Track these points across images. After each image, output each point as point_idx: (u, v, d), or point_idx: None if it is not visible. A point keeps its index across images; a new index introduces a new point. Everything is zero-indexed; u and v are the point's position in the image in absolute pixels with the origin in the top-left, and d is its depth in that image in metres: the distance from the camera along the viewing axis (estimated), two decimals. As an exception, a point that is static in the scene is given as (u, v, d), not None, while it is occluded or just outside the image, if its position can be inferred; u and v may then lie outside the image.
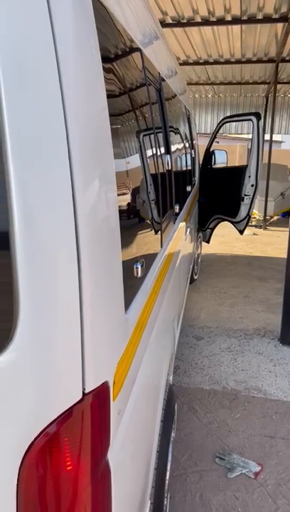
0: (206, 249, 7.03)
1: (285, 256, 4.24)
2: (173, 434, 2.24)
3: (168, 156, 2.18)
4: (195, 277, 5.82)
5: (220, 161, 5.86)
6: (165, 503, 2.10)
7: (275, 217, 10.95)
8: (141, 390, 1.30)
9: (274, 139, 10.52)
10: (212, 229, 5.99)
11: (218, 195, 5.44)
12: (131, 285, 1.17)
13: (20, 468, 0.80)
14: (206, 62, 10.34)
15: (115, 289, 0.96)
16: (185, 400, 3.37)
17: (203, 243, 6.39)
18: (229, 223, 5.65)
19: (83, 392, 0.81)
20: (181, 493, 2.49)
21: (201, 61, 10.29)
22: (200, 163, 5.75)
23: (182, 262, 3.12)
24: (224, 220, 5.66)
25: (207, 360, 3.96)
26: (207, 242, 6.28)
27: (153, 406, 1.61)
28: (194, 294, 5.48)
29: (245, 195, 5.03)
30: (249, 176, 4.96)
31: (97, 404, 0.84)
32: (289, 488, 2.55)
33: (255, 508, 2.41)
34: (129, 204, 1.23)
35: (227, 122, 5.41)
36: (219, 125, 5.45)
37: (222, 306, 5.17)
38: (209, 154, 5.71)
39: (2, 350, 0.76)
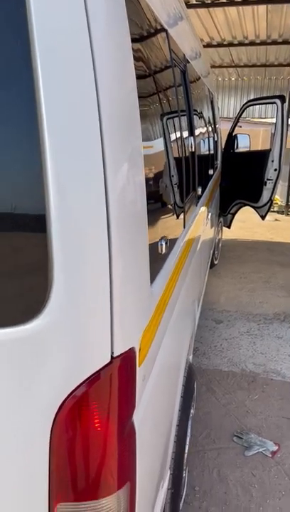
0: (227, 234, 7.00)
1: (307, 241, 4.22)
2: (192, 411, 2.30)
3: (192, 138, 2.19)
4: (216, 262, 5.83)
5: (243, 145, 5.80)
6: (183, 475, 2.18)
7: (298, 203, 10.80)
8: (163, 363, 1.36)
9: (298, 123, 10.30)
10: (234, 214, 5.96)
11: (240, 179, 5.40)
12: (155, 260, 1.21)
13: (52, 425, 0.86)
14: (230, 44, 10.13)
15: (141, 261, 1.00)
16: (203, 380, 3.43)
17: (224, 228, 6.37)
18: (250, 208, 5.62)
19: (112, 356, 0.87)
20: (199, 469, 2.56)
21: (225, 43, 10.08)
22: (223, 147, 5.71)
23: (203, 245, 3.15)
24: (245, 204, 5.63)
25: (227, 343, 4.01)
26: (228, 227, 6.27)
27: (173, 380, 1.66)
28: (214, 278, 5.50)
29: (268, 179, 4.99)
30: (272, 161, 4.90)
31: (124, 368, 0.89)
32: (306, 467, 2.59)
33: (272, 485, 2.47)
34: (154, 183, 1.27)
35: (250, 105, 5.34)
36: (243, 108, 5.39)
37: (242, 291, 5.18)
38: (231, 138, 5.66)
39: (36, 315, 0.81)
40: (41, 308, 0.81)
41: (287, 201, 9.96)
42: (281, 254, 6.60)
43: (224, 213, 5.83)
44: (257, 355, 3.80)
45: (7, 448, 0.88)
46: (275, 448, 2.74)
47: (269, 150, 5.01)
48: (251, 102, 5.37)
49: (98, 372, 0.85)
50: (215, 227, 5.07)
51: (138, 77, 1.14)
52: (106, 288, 0.83)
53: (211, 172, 3.73)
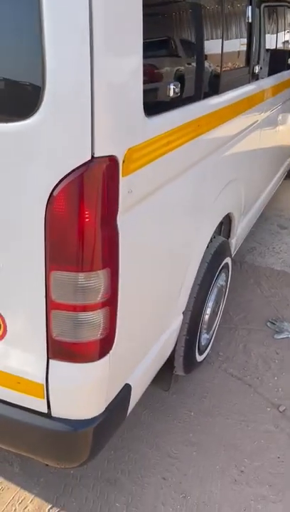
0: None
1: None
2: (221, 283, 2.50)
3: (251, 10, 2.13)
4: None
5: None
6: (208, 337, 2.45)
7: None
8: (167, 207, 1.54)
9: None
10: None
11: None
12: (158, 98, 1.33)
13: (46, 207, 1.12)
14: None
15: (132, 79, 1.14)
16: (253, 274, 3.58)
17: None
18: None
19: (92, 156, 1.07)
20: (227, 340, 2.82)
21: None
22: None
23: (266, 138, 3.09)
24: None
25: (286, 247, 4.04)
26: None
27: (186, 237, 1.83)
28: (291, 188, 5.34)
29: None
30: None
31: (104, 169, 1.10)
32: None
33: (291, 364, 2.66)
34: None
35: None
36: None
37: (318, 203, 5.01)
38: None
39: (31, 113, 1.03)
40: (34, 108, 1.03)
41: None
42: None
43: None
44: (314, 261, 3.81)
45: (10, 223, 1.17)
46: (305, 336, 2.89)
47: None
48: None
49: (81, 166, 1.06)
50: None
51: None
52: (88, 93, 1.01)
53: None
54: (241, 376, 2.55)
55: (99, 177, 1.09)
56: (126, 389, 1.57)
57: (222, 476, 1.97)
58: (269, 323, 3.01)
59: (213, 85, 1.82)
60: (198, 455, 2.06)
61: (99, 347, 1.31)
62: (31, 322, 1.29)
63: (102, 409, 1.44)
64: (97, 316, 1.26)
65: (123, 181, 1.17)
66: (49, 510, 1.78)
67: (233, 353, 2.73)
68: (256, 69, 2.38)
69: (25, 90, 1.07)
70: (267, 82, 2.75)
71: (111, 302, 1.28)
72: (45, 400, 1.37)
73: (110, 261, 1.22)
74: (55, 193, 1.09)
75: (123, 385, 1.55)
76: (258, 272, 3.63)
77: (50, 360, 1.32)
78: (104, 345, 1.33)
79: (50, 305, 1.23)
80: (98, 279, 1.20)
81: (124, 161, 1.15)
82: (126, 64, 1.13)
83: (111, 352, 1.36)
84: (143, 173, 1.26)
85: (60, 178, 1.08)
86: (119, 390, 1.53)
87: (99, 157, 1.08)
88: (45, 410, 1.39)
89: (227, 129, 1.97)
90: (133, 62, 1.15)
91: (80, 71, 1.00)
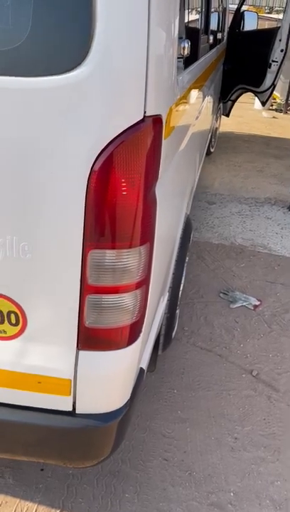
0: (223, 127, 6.89)
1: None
2: (187, 259, 2.50)
3: None
4: (212, 150, 5.81)
5: (250, 24, 5.47)
6: (177, 311, 2.44)
7: (297, 104, 10.47)
8: (175, 175, 1.47)
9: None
10: (234, 101, 5.81)
11: (244, 62, 5.17)
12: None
13: (89, 176, 0.96)
14: None
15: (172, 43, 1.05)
16: (195, 250, 3.64)
17: (222, 121, 6.23)
18: (248, 104, 5.44)
19: (144, 114, 0.95)
20: (188, 315, 2.84)
21: None
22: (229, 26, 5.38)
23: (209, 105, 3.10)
24: (247, 90, 5.46)
25: (218, 221, 4.18)
26: (227, 115, 6.14)
27: (178, 212, 1.79)
28: (209, 165, 5.53)
29: (273, 61, 4.78)
30: (280, 40, 4.66)
31: (154, 130, 0.98)
32: (283, 318, 2.90)
33: (252, 329, 2.77)
34: None
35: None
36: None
37: (236, 178, 5.26)
38: (238, 16, 5.32)
39: (78, 64, 0.87)
40: (83, 58, 0.87)
41: (287, 99, 9.63)
42: (276, 148, 6.59)
43: (225, 100, 5.67)
44: (246, 232, 4.00)
45: (42, 195, 1.00)
46: (257, 303, 3.03)
47: (278, 28, 4.74)
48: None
49: (133, 126, 0.93)
50: (215, 111, 4.97)
51: None
52: (144, 40, 0.88)
53: (218, 35, 3.51)
54: (210, 348, 2.59)
55: (149, 139, 0.97)
56: (141, 373, 1.49)
57: (220, 446, 1.99)
58: (221, 295, 3.09)
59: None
60: (192, 430, 2.05)
61: (133, 331, 1.21)
62: (60, 312, 1.13)
63: (128, 398, 1.34)
64: (133, 298, 1.15)
65: (164, 144, 1.06)
66: (58, 516, 1.64)
67: (197, 326, 2.76)
68: (211, 40, 2.37)
69: (68, 35, 0.89)
70: (211, 55, 2.76)
71: (145, 281, 1.18)
72: (72, 397, 1.23)
73: (149, 235, 1.11)
74: (101, 159, 0.95)
75: (139, 369, 1.46)
76: (199, 247, 3.70)
77: (80, 352, 1.19)
78: (137, 329, 1.23)
79: (86, 289, 1.09)
80: (139, 256, 1.09)
81: (166, 122, 1.04)
82: (171, 17, 1.01)
83: (141, 335, 1.26)
84: (173, 137, 1.17)
85: (108, 141, 0.93)
86: (138, 375, 1.44)
87: (150, 116, 0.96)
88: (69, 408, 1.25)
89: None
90: (175, 16, 1.04)
91: (137, 18, 0.86)
